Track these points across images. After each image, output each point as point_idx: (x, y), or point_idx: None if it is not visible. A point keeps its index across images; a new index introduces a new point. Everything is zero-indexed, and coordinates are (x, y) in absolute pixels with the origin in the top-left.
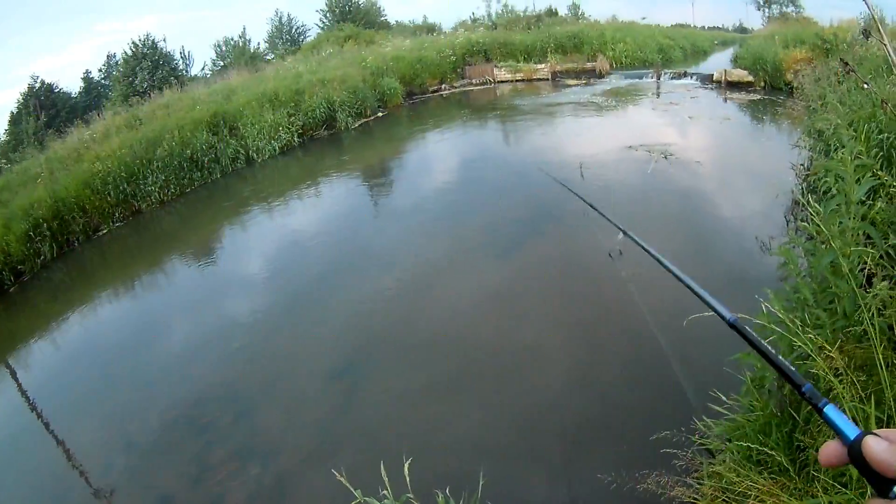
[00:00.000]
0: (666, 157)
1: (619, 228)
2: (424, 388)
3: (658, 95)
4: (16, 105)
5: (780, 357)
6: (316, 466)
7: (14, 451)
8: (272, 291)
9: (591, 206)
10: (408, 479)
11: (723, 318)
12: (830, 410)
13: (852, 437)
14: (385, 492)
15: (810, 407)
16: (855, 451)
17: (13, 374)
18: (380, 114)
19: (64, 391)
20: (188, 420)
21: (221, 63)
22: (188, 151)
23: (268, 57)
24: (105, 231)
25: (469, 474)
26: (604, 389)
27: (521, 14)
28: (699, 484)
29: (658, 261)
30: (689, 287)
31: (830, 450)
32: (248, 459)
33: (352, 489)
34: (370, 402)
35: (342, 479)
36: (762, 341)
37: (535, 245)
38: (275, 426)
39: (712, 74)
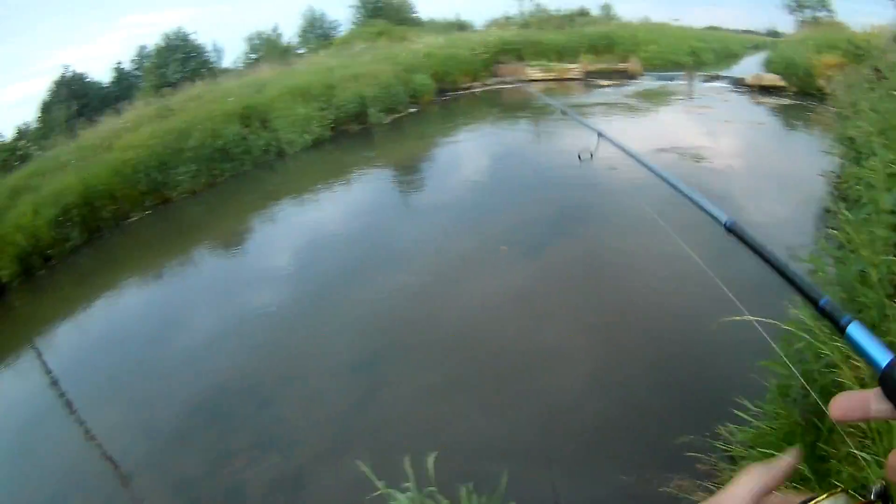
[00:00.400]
0: (697, 161)
1: (594, 130)
2: (447, 384)
3: (690, 98)
4: (46, 93)
5: (789, 266)
6: (337, 458)
7: (35, 432)
8: (298, 284)
9: (563, 111)
10: (432, 472)
11: (718, 221)
12: (856, 330)
13: (885, 363)
14: (408, 484)
15: (819, 392)
16: (891, 380)
17: (38, 356)
18: (412, 110)
19: (87, 375)
20: (210, 408)
21: (253, 56)
22: (219, 142)
23: (299, 51)
24: (135, 218)
25: (490, 472)
26: (626, 392)
27: (553, 13)
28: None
29: (641, 163)
30: (680, 192)
31: (848, 400)
32: (269, 448)
33: (375, 479)
34: (392, 396)
35: (366, 469)
36: (764, 246)
37: (562, 245)
38: (296, 417)
39: (744, 78)
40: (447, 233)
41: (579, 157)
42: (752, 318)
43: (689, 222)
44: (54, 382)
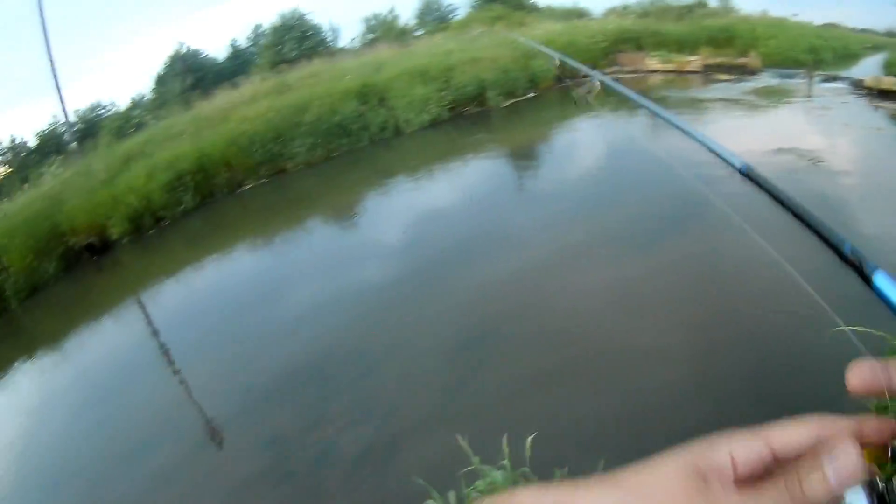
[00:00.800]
0: (815, 164)
1: (590, 74)
2: (546, 372)
3: (809, 98)
4: (162, 67)
5: (811, 213)
6: (431, 432)
7: (134, 381)
8: (406, 260)
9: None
10: (528, 452)
11: (733, 166)
12: (883, 279)
13: None
14: (504, 461)
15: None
16: None
17: (143, 310)
18: (530, 95)
19: (190, 331)
20: (310, 372)
21: (370, 37)
22: (336, 118)
23: (416, 33)
24: (248, 186)
25: (585, 460)
26: (723, 400)
27: (673, 3)
28: None
29: (649, 109)
30: (694, 138)
31: (871, 369)
32: (365, 416)
33: (471, 454)
34: (493, 378)
35: (463, 443)
36: (784, 192)
37: (674, 244)
38: (395, 389)
39: (863, 80)
40: (559, 222)
41: (574, 101)
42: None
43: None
44: (157, 335)
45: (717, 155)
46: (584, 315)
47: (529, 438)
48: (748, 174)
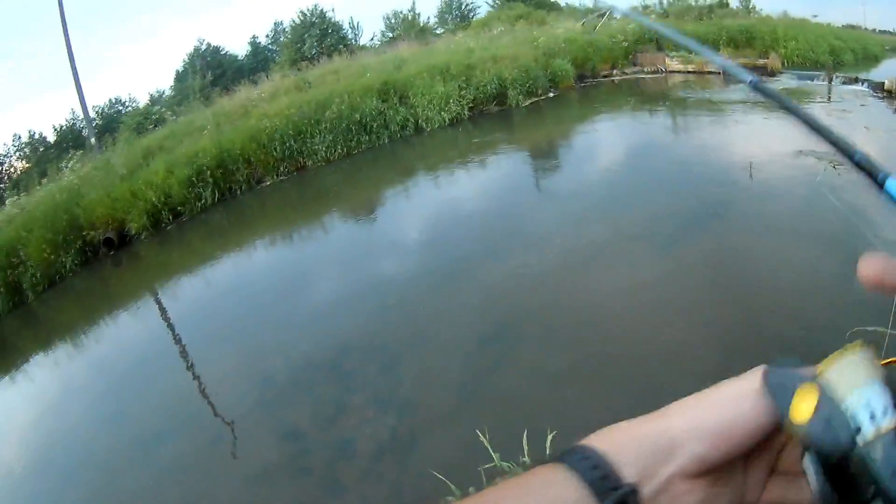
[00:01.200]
0: (835, 168)
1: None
2: (567, 369)
3: (829, 100)
4: (181, 64)
5: (819, 120)
6: (452, 427)
7: (150, 373)
8: (427, 256)
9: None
10: (548, 451)
11: (742, 81)
12: (893, 184)
13: None
14: (525, 459)
15: None
16: None
17: (159, 304)
18: (550, 94)
19: (207, 324)
20: (330, 366)
21: (391, 34)
22: (356, 115)
23: (437, 31)
24: (268, 182)
25: None
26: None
27: (693, 3)
28: None
29: (657, 31)
30: (704, 55)
31: (885, 262)
32: (385, 410)
33: (491, 450)
34: (513, 373)
35: (484, 439)
36: (792, 102)
37: (695, 244)
38: (417, 383)
39: (883, 83)
40: (579, 221)
41: (583, 23)
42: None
43: None
44: (175, 328)
45: (728, 70)
46: (606, 312)
47: (550, 435)
48: (758, 87)
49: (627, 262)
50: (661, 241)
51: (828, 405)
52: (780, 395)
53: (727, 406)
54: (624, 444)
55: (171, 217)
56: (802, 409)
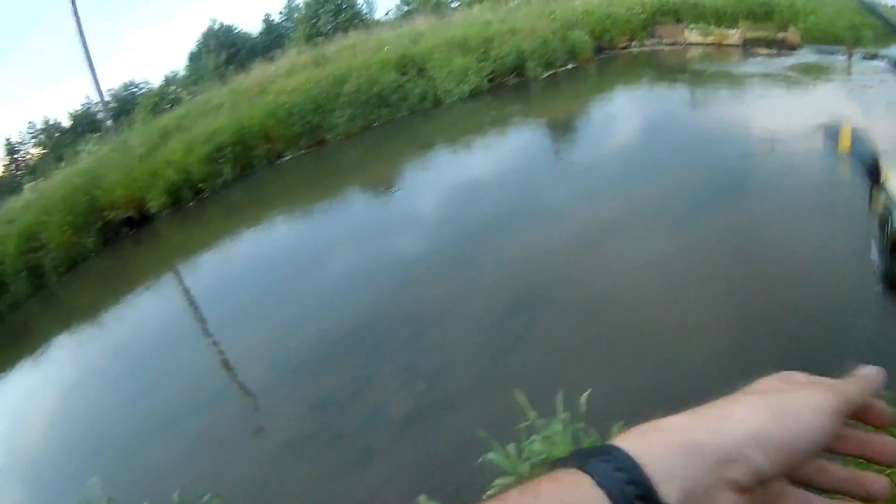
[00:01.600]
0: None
1: None
2: (591, 338)
3: (849, 76)
4: (195, 44)
5: None
6: (483, 391)
7: (173, 347)
8: (449, 228)
9: None
10: (584, 408)
11: None
12: None
13: None
14: (562, 416)
15: None
16: None
17: (181, 279)
18: (569, 66)
19: (234, 298)
20: (357, 336)
21: (406, 8)
22: (375, 89)
23: (453, 5)
24: (288, 158)
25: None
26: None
27: None
28: None
29: None
30: None
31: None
32: (416, 376)
33: (528, 407)
34: (540, 342)
35: (521, 398)
36: None
37: (715, 219)
38: (447, 350)
39: None
40: (597, 195)
41: None
42: None
43: None
44: (199, 304)
45: None
46: (625, 283)
47: (585, 394)
48: None
49: (644, 235)
50: (680, 214)
51: None
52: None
53: (796, 417)
54: (662, 446)
55: (191, 194)
56: None
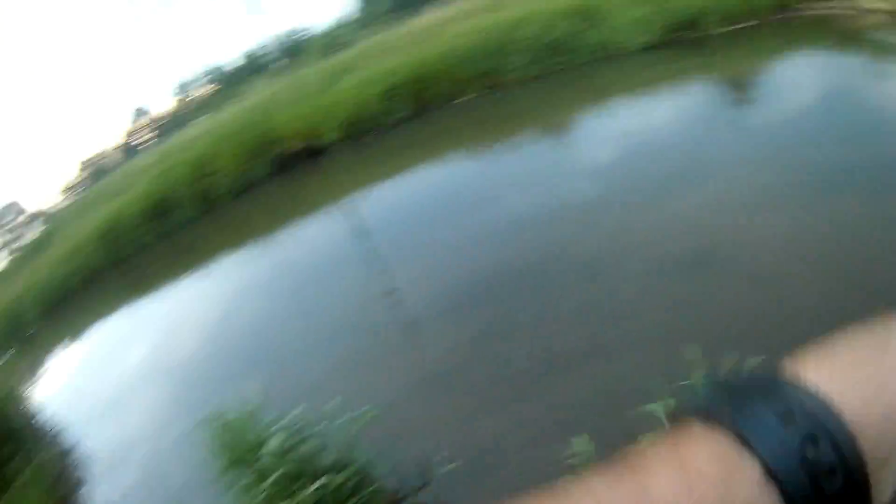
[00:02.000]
0: None
1: None
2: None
3: None
4: None
5: None
6: (651, 344)
7: (343, 274)
8: (621, 179)
9: None
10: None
11: None
12: None
13: None
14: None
15: None
16: None
17: (351, 208)
18: (752, 23)
19: (399, 229)
20: (526, 275)
21: None
22: (550, 37)
23: None
24: (463, 99)
25: None
26: None
27: None
28: None
29: None
30: None
31: None
32: (581, 322)
33: (698, 363)
34: (717, 300)
35: (695, 352)
36: None
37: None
38: (618, 298)
39: None
40: (766, 158)
41: None
42: None
43: None
44: (364, 231)
45: None
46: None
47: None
48: None
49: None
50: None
51: None
52: None
53: None
54: (852, 380)
55: (366, 129)
56: None
